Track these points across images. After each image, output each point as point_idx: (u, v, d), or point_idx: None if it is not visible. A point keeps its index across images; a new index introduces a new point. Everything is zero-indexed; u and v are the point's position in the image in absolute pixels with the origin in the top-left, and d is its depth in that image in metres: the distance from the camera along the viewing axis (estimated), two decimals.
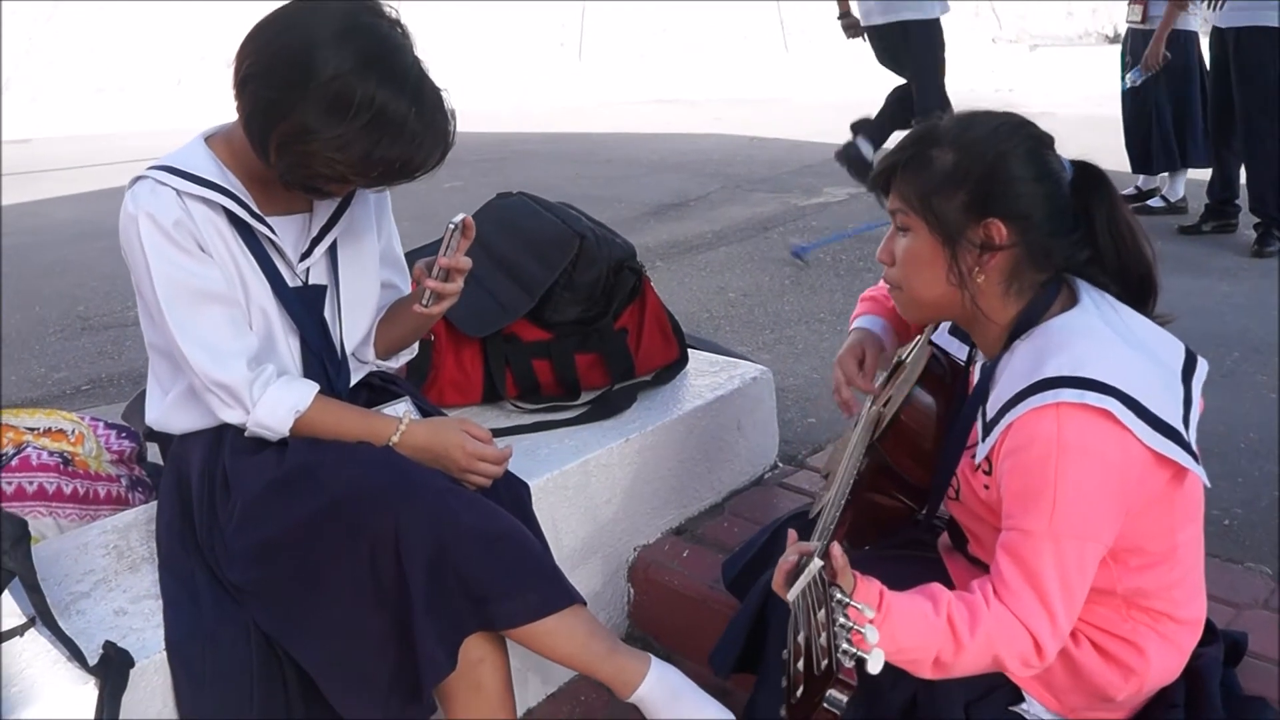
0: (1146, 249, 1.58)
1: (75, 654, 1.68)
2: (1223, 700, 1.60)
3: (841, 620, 1.22)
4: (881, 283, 2.03)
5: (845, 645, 1.19)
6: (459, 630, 1.75)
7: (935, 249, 1.53)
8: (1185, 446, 1.44)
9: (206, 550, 1.88)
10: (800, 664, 1.22)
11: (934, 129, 1.56)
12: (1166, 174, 6.16)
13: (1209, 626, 1.67)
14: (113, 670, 1.65)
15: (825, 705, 1.17)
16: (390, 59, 1.74)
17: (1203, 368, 1.55)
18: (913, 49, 6.23)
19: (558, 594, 1.80)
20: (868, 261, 5.39)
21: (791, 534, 1.49)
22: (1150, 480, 1.45)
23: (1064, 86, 11.26)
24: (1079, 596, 1.44)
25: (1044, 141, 1.55)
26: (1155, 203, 6.15)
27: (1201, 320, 4.08)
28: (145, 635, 1.78)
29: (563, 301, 2.62)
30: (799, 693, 1.20)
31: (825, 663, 1.17)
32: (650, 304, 2.75)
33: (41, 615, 1.72)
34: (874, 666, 1.19)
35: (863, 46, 6.47)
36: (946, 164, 1.52)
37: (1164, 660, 1.57)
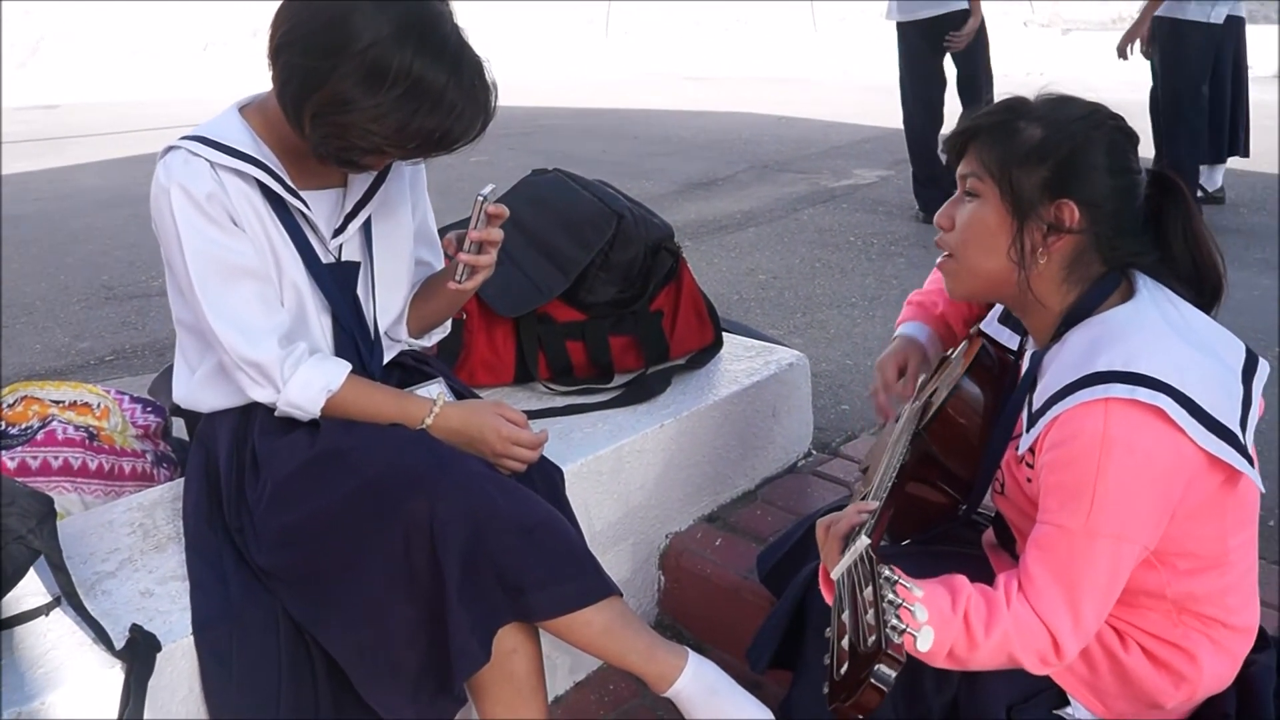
0: (1219, 259, 1.56)
1: (101, 636, 1.65)
2: (1276, 710, 1.56)
3: (890, 596, 1.19)
4: (929, 283, 1.99)
5: (894, 621, 1.15)
6: (493, 621, 1.71)
7: (1003, 220, 1.51)
8: (1241, 450, 1.41)
9: (235, 532, 1.85)
10: (845, 641, 1.19)
11: (1024, 102, 1.54)
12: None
13: (1261, 633, 1.63)
14: (139, 655, 1.62)
15: (873, 681, 1.12)
16: (428, 26, 1.69)
17: (1264, 369, 1.51)
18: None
19: (595, 585, 1.76)
20: (900, 245, 5.34)
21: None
22: (1201, 483, 1.42)
23: (1096, 71, 11.14)
24: (1110, 597, 1.42)
25: (1130, 138, 1.54)
26: None
27: (1239, 315, 3.97)
28: (172, 618, 1.74)
29: (598, 282, 2.57)
30: (843, 669, 1.17)
31: (873, 639, 1.14)
32: (686, 286, 2.71)
33: (67, 595, 1.69)
34: (923, 644, 1.16)
35: (891, 28, 6.35)
36: (1033, 138, 1.50)
37: (1216, 667, 1.54)
